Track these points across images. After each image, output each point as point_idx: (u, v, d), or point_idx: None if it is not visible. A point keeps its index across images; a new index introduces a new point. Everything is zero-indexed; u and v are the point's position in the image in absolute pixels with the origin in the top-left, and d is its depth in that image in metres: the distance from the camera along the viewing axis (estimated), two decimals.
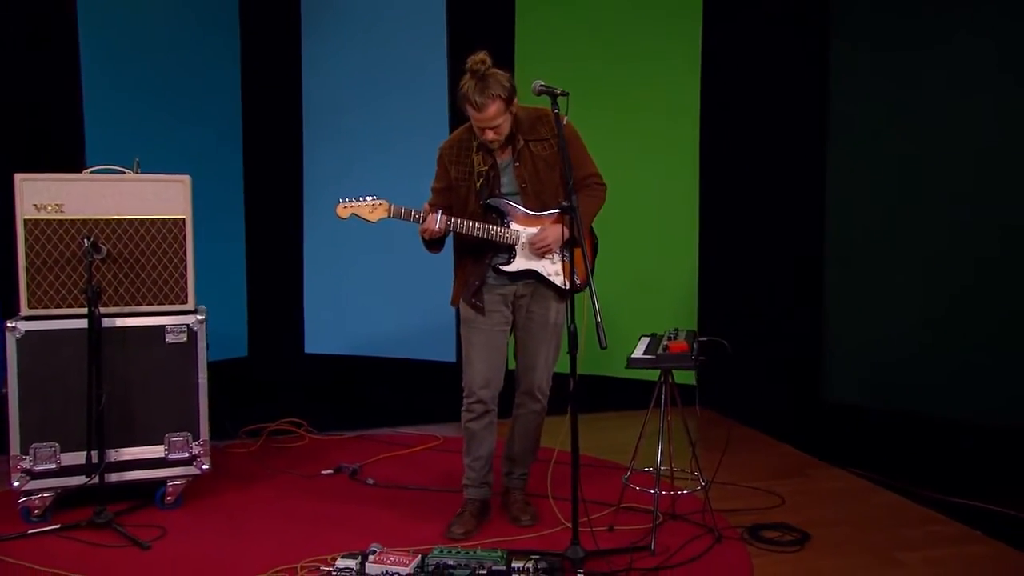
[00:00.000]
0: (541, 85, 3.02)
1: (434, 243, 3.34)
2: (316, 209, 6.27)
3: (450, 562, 2.84)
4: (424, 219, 3.22)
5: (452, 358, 5.95)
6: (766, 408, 4.94)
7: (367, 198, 3.24)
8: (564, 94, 3.01)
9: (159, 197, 3.59)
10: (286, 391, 5.71)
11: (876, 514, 3.57)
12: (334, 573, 2.82)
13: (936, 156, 4.68)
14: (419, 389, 5.84)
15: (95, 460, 3.39)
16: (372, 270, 6.14)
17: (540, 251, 3.32)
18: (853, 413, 4.92)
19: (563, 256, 3.38)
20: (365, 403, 5.55)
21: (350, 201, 3.24)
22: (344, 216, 3.25)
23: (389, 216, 3.24)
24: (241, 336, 6.14)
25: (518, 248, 3.33)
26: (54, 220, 3.46)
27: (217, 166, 5.83)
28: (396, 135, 6.02)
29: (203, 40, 5.85)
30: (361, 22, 6.12)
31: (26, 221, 3.43)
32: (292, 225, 6.32)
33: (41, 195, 3.44)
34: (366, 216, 3.24)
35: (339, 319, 6.29)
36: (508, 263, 3.34)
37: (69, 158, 4.81)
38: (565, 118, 3.04)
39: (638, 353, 3.31)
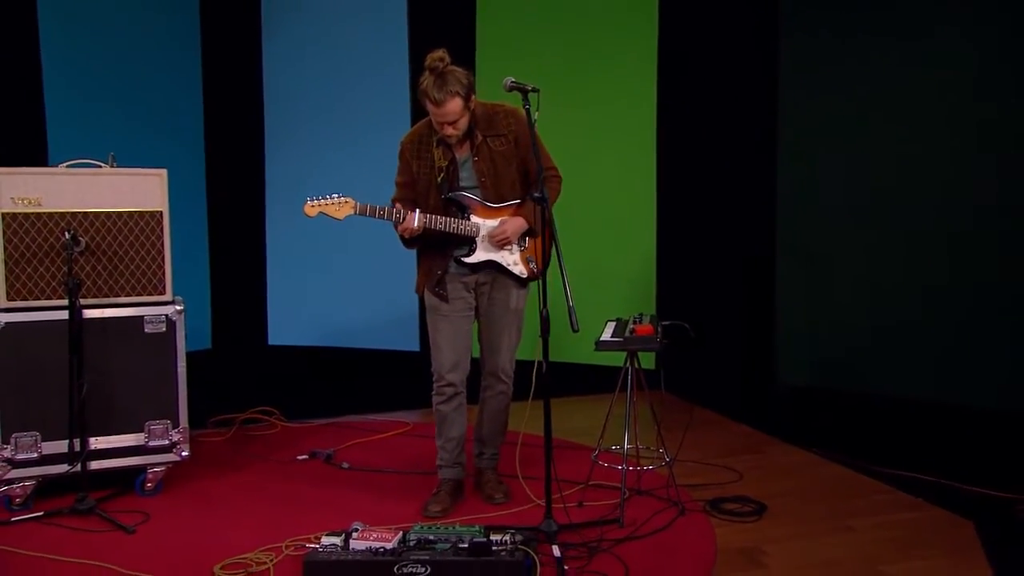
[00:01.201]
0: (512, 81, 3.15)
1: (414, 240, 3.45)
2: (278, 202, 6.33)
3: (431, 537, 2.96)
4: (403, 219, 3.32)
5: (416, 347, 6.08)
6: (723, 390, 5.16)
7: (333, 196, 3.32)
8: (535, 90, 3.14)
9: (136, 190, 3.66)
10: (252, 382, 5.77)
11: (827, 486, 3.79)
12: (320, 549, 2.92)
13: (885, 146, 4.91)
14: (384, 378, 5.95)
15: (77, 448, 3.45)
16: (334, 262, 6.22)
17: (499, 243, 3.47)
18: (803, 394, 5.17)
19: (521, 247, 3.54)
20: (331, 393, 5.63)
21: (317, 199, 3.32)
22: (312, 215, 3.33)
23: (355, 213, 3.34)
24: (205, 328, 6.18)
25: (478, 240, 3.47)
26: (32, 213, 3.51)
27: (179, 160, 5.84)
28: (358, 131, 6.10)
29: (164, 35, 5.88)
30: (322, 20, 6.19)
31: (4, 215, 3.47)
32: (254, 218, 6.37)
33: (19, 189, 3.49)
34: (333, 214, 3.32)
35: (302, 311, 6.37)
36: (469, 255, 3.47)
37: (31, 155, 4.85)
38: (536, 114, 3.17)
39: (606, 336, 3.48)
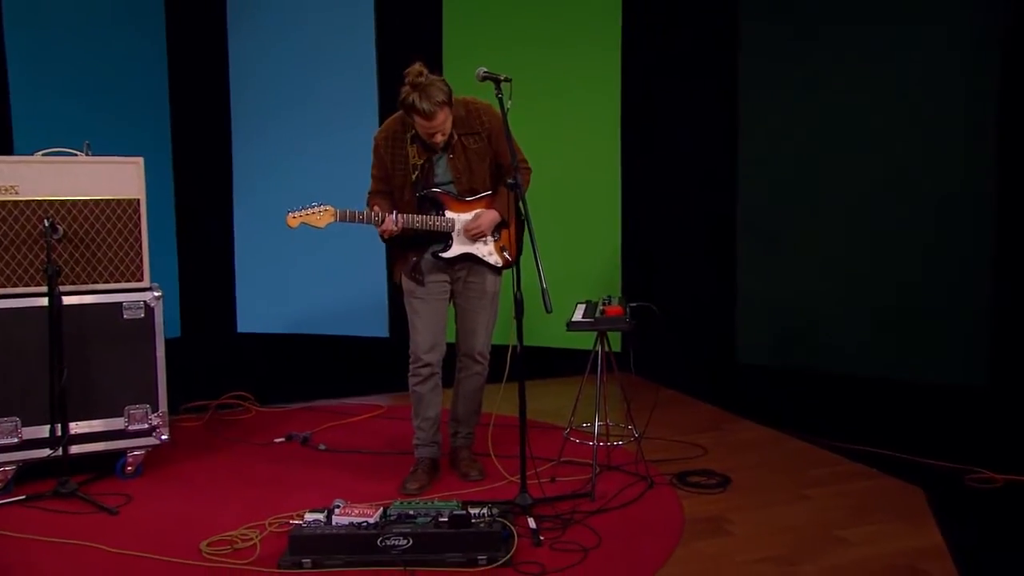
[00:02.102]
0: (485, 72, 3.25)
1: (394, 238, 3.53)
2: (245, 192, 6.36)
3: (411, 512, 3.06)
4: (382, 222, 3.42)
5: (385, 333, 6.17)
6: (687, 371, 5.33)
7: (313, 205, 3.39)
8: (507, 80, 3.26)
9: (113, 178, 3.71)
10: (222, 370, 5.80)
11: (786, 459, 3.97)
12: (304, 525, 3.01)
13: (844, 131, 5.09)
14: (355, 364, 6.02)
15: (58, 433, 3.50)
16: (302, 251, 6.26)
17: (474, 236, 3.59)
18: (764, 373, 5.36)
19: (495, 237, 3.66)
20: (303, 379, 5.69)
21: (298, 211, 3.39)
22: (294, 226, 3.39)
23: (336, 220, 3.42)
24: (174, 317, 6.19)
25: (454, 235, 3.58)
26: (9, 201, 3.54)
27: (145, 150, 5.77)
28: (324, 121, 6.15)
29: (128, 26, 5.88)
30: (286, 12, 6.21)
31: None
32: (222, 208, 6.40)
33: None
34: (315, 223, 3.39)
35: (271, 299, 6.42)
36: (446, 250, 3.58)
37: None
38: (509, 103, 3.28)
39: (577, 317, 3.61)
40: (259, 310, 6.45)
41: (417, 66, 3.31)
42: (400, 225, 3.44)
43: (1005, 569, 2.92)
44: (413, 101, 3.29)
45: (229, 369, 5.82)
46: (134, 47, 5.91)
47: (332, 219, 3.40)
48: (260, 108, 6.29)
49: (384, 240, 3.56)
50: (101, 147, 4.01)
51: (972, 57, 4.68)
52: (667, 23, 5.56)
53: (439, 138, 3.42)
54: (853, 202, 5.08)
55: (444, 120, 3.36)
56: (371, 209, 3.47)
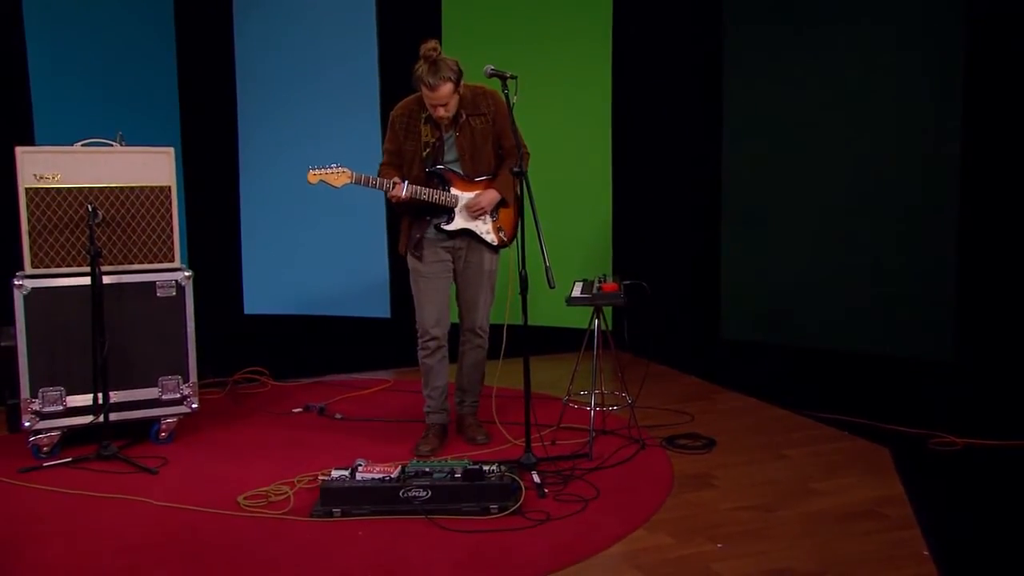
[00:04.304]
0: (492, 69, 3.55)
1: (401, 206, 3.86)
2: (251, 180, 6.64)
3: (427, 469, 3.39)
4: (393, 188, 3.74)
5: (387, 313, 6.48)
6: (674, 347, 5.68)
7: (332, 166, 3.73)
8: (513, 77, 3.56)
9: (146, 167, 4.00)
10: (233, 349, 6.05)
11: (767, 424, 4.33)
12: (332, 480, 3.33)
13: (822, 120, 5.39)
14: (359, 342, 6.32)
15: (100, 402, 3.80)
16: (305, 236, 6.55)
17: (475, 213, 3.90)
18: (745, 347, 5.71)
19: (494, 217, 3.97)
20: (309, 357, 5.96)
21: (318, 169, 3.72)
22: (313, 182, 3.72)
23: (351, 182, 3.74)
24: None
25: (456, 210, 3.90)
26: (53, 188, 3.83)
27: (154, 138, 6.06)
28: (328, 108, 6.42)
29: (137, 20, 6.16)
30: (292, 4, 6.49)
31: (27, 190, 3.79)
32: (229, 194, 6.66)
33: (40, 166, 3.81)
34: (332, 182, 3.72)
35: (276, 282, 6.70)
36: (448, 223, 3.90)
37: (19, 136, 5.14)
38: (515, 98, 3.59)
39: (576, 293, 3.94)
40: (265, 293, 6.74)
41: (432, 42, 3.65)
42: (408, 195, 3.75)
43: (956, 514, 3.28)
44: (422, 73, 3.63)
45: (239, 348, 6.07)
46: (143, 40, 6.18)
47: (348, 180, 3.71)
48: (265, 98, 6.55)
49: (393, 205, 3.87)
50: (112, 137, 4.30)
51: (937, 51, 5.01)
52: (656, 16, 5.85)
53: (441, 112, 3.72)
54: (830, 187, 5.40)
55: (447, 95, 3.66)
56: (383, 178, 3.79)
